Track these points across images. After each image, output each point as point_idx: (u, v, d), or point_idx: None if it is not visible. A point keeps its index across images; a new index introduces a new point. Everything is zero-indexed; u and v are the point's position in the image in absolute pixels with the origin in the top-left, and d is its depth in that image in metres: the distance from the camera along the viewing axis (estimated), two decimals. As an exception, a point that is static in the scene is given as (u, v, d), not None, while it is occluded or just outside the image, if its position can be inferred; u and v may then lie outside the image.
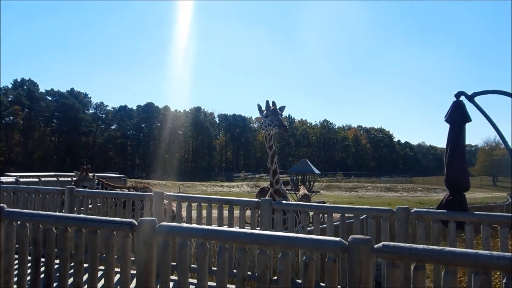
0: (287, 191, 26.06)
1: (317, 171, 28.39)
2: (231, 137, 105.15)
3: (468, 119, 4.90)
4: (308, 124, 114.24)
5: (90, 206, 6.56)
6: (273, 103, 6.28)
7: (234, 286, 4.29)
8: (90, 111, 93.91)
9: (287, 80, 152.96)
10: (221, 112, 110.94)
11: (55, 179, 15.39)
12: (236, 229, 3.17)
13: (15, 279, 3.74)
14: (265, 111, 6.31)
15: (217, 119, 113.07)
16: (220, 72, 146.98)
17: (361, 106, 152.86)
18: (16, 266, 3.76)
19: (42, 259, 3.78)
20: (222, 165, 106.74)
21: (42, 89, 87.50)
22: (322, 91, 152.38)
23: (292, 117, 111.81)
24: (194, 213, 5.89)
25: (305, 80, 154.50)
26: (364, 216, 7.50)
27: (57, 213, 4.21)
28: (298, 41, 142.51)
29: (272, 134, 6.25)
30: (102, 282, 4.53)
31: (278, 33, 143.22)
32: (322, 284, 4.85)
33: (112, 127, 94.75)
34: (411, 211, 4.96)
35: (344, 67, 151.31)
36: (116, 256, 3.57)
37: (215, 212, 5.50)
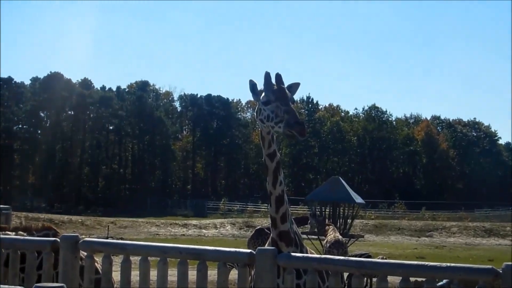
0: (305, 235, 25.87)
1: (358, 199, 28.26)
2: (204, 137, 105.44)
3: None
4: (343, 114, 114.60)
5: None
6: (278, 77, 6.21)
7: None
8: None
9: (304, 37, 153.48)
10: (186, 92, 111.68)
11: None
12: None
13: None
14: (263, 93, 6.28)
15: (178, 104, 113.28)
16: (184, 21, 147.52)
17: (437, 83, 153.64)
18: None
19: None
20: (186, 187, 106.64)
21: None
22: (368, 57, 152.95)
23: (315, 101, 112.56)
24: (135, 275, 5.90)
25: (336, 38, 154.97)
26: (444, 281, 7.48)
27: None
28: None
29: (274, 131, 6.22)
30: None
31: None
32: None
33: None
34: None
35: (405, 17, 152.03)
36: None
37: (173, 274, 5.50)
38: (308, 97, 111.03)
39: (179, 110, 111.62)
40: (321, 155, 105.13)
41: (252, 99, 6.58)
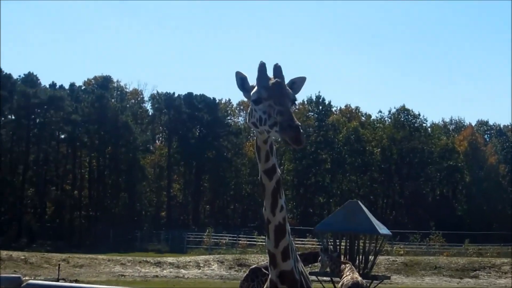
0: (314, 276, 25.69)
1: (383, 230, 28.19)
2: (183, 148, 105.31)
3: None
4: (364, 118, 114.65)
5: None
6: (277, 70, 6.11)
7: None
8: None
9: (313, 24, 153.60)
10: (159, 90, 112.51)
11: None
12: None
13: None
14: (255, 88, 6.18)
15: (149, 106, 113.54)
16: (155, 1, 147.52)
17: (483, 80, 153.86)
18: None
19: None
20: (160, 214, 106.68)
21: None
22: (396, 48, 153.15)
23: (327, 102, 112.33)
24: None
25: (354, 27, 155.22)
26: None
27: None
28: None
29: (271, 138, 6.15)
30: None
31: None
32: None
33: None
34: None
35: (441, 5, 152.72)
36: None
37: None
38: (318, 97, 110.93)
39: (150, 113, 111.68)
40: (334, 172, 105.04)
41: (243, 98, 6.46)
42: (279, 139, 5.89)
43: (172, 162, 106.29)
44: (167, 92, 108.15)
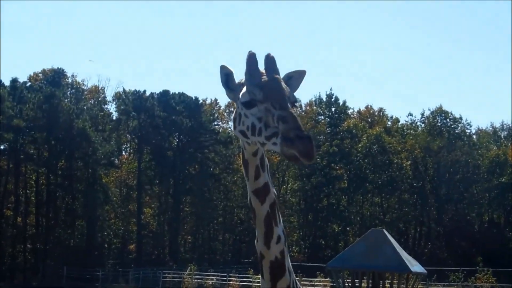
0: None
1: (415, 267, 28.22)
2: (157, 162, 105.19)
3: None
4: (390, 123, 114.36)
5: None
6: (270, 62, 6.05)
7: None
8: None
9: (319, 4, 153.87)
10: (126, 88, 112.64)
11: None
12: None
13: None
14: (245, 88, 6.19)
15: (113, 107, 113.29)
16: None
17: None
18: None
19: None
20: (128, 247, 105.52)
21: None
22: (430, 36, 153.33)
23: (341, 102, 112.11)
24: None
25: (379, 5, 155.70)
26: None
27: None
28: None
29: (263, 150, 6.11)
30: None
31: None
32: None
33: None
34: None
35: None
36: None
37: None
38: (330, 96, 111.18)
39: (115, 117, 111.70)
40: (352, 192, 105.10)
41: (229, 99, 6.42)
42: (279, 153, 5.55)
43: (143, 180, 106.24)
44: (136, 90, 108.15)
